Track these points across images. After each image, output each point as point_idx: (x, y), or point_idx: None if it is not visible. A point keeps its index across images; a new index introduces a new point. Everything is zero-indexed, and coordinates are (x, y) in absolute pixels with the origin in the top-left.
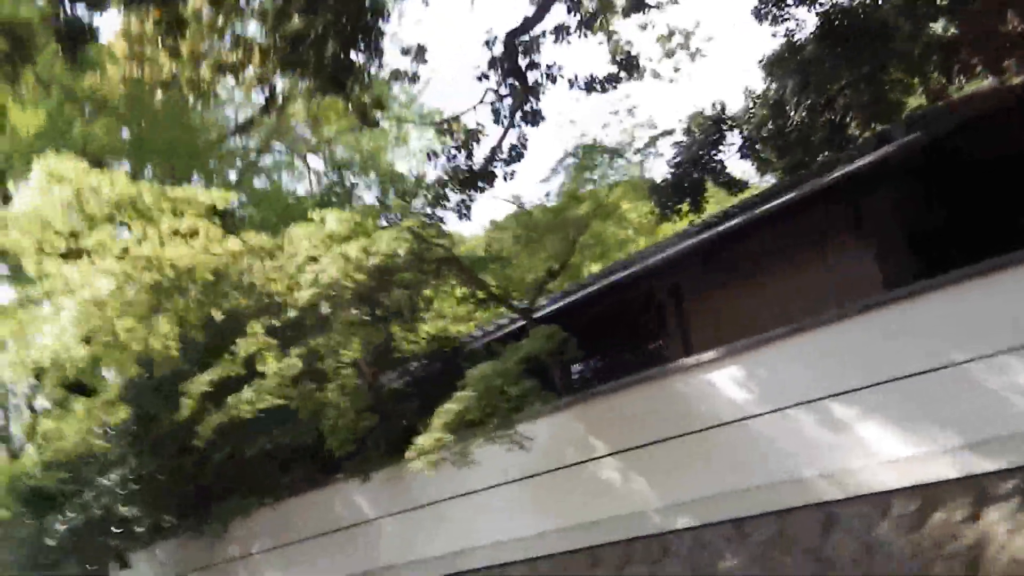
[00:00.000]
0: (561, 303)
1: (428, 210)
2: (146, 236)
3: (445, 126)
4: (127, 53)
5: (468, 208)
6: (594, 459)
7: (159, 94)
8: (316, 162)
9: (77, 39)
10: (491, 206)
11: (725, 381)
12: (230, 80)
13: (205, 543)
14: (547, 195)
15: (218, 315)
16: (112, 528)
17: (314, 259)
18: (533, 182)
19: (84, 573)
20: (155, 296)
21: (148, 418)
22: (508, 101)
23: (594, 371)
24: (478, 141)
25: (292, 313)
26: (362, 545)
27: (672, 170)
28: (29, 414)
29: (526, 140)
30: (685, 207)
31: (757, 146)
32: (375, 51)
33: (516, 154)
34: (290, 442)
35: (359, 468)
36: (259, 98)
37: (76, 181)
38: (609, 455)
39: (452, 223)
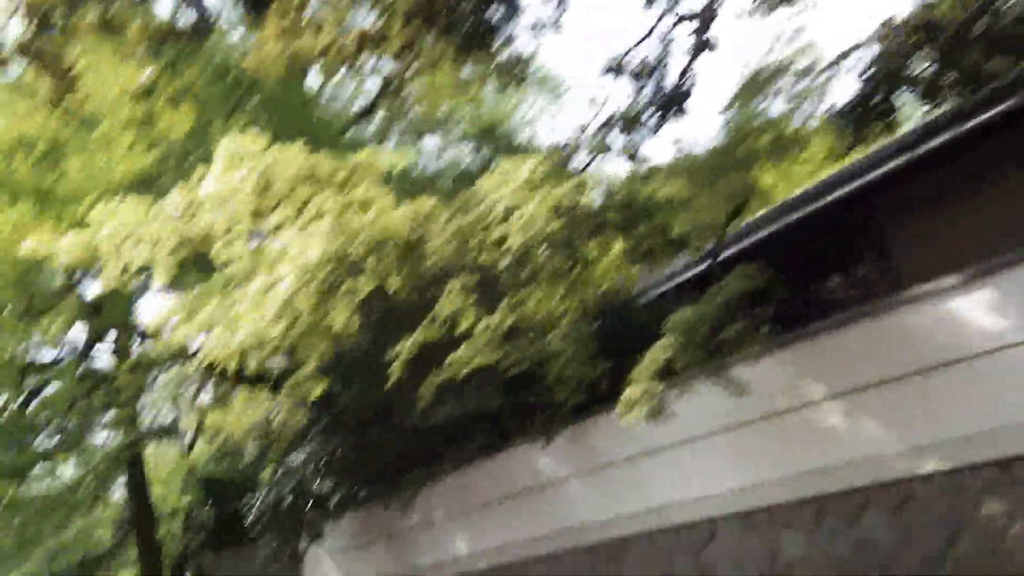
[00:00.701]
0: (754, 238)
1: (592, 158)
2: (331, 208)
3: (615, 64)
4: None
5: (636, 151)
6: (816, 402)
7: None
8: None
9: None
10: (658, 150)
11: (972, 308)
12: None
13: (391, 512)
14: (720, 131)
15: (414, 282)
16: (305, 504)
17: (512, 209)
18: (701, 119)
19: (278, 547)
20: (345, 270)
21: (344, 392)
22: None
23: (804, 308)
24: (654, 73)
25: (495, 266)
26: (551, 506)
27: (861, 88)
28: (196, 408)
29: (694, 74)
30: (876, 127)
31: (958, 53)
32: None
33: (685, 90)
34: (478, 408)
35: (542, 430)
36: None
37: (258, 159)
38: (833, 397)
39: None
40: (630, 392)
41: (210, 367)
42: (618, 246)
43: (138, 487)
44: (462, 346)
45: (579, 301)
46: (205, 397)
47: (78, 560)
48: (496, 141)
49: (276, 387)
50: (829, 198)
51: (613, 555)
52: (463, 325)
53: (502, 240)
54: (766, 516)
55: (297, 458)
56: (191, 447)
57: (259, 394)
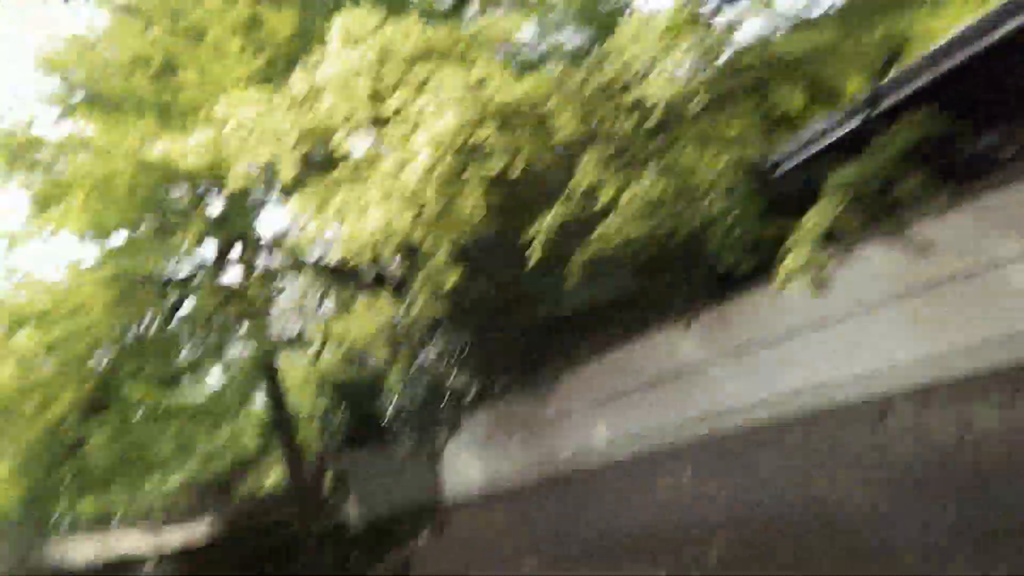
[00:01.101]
0: (922, 82)
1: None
2: (452, 85)
3: None
4: None
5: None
6: (1009, 260)
7: None
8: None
9: None
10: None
11: None
12: None
13: (529, 402)
14: None
15: (545, 157)
16: (441, 399)
17: (650, 66)
18: None
19: (417, 444)
20: (472, 149)
21: (476, 283)
22: None
23: (985, 157)
24: None
25: (636, 130)
26: (697, 390)
27: None
28: (321, 316)
29: None
30: None
31: None
32: None
33: None
34: (616, 291)
35: (684, 311)
36: None
37: (374, 35)
38: None
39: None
40: (790, 261)
41: (332, 274)
42: (765, 102)
43: (275, 394)
44: (609, 218)
45: (735, 160)
46: (328, 306)
47: (229, 463)
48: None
49: (398, 290)
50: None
51: (768, 439)
52: (604, 198)
53: (639, 102)
54: (950, 390)
55: (430, 355)
56: (319, 354)
57: (381, 299)
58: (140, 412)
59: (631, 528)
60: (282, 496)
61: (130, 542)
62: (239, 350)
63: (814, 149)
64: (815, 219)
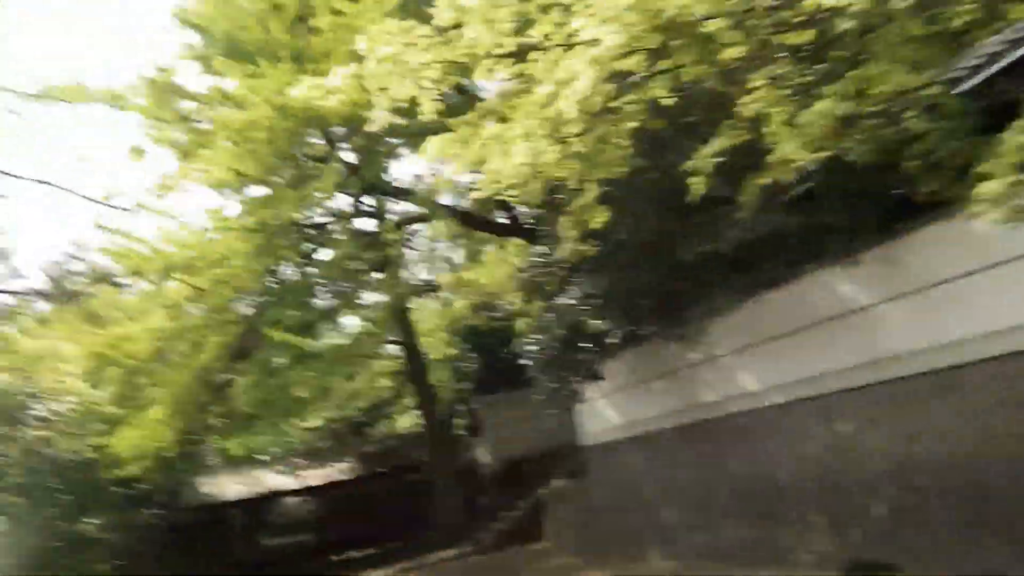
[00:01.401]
0: None
1: None
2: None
3: None
4: None
5: None
6: None
7: None
8: None
9: None
10: None
11: None
12: None
13: (673, 347)
14: None
15: (707, 77)
16: (580, 344)
17: None
18: None
19: (554, 390)
20: (626, 80)
21: (621, 222)
22: None
23: None
24: None
25: (817, 43)
26: (860, 335)
27: None
28: (452, 263)
29: None
30: None
31: None
32: None
33: None
34: (770, 230)
35: (850, 247)
36: None
37: None
38: None
39: None
40: (989, 186)
41: (465, 220)
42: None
43: (408, 340)
44: (781, 144)
45: (928, 74)
46: (460, 252)
47: (365, 406)
48: None
49: (532, 234)
50: None
51: (943, 385)
52: (776, 121)
53: (820, 10)
54: None
55: (569, 299)
56: (451, 301)
57: (514, 244)
58: (281, 358)
59: (783, 478)
60: (415, 437)
61: (274, 479)
62: (374, 297)
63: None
64: (1019, 138)
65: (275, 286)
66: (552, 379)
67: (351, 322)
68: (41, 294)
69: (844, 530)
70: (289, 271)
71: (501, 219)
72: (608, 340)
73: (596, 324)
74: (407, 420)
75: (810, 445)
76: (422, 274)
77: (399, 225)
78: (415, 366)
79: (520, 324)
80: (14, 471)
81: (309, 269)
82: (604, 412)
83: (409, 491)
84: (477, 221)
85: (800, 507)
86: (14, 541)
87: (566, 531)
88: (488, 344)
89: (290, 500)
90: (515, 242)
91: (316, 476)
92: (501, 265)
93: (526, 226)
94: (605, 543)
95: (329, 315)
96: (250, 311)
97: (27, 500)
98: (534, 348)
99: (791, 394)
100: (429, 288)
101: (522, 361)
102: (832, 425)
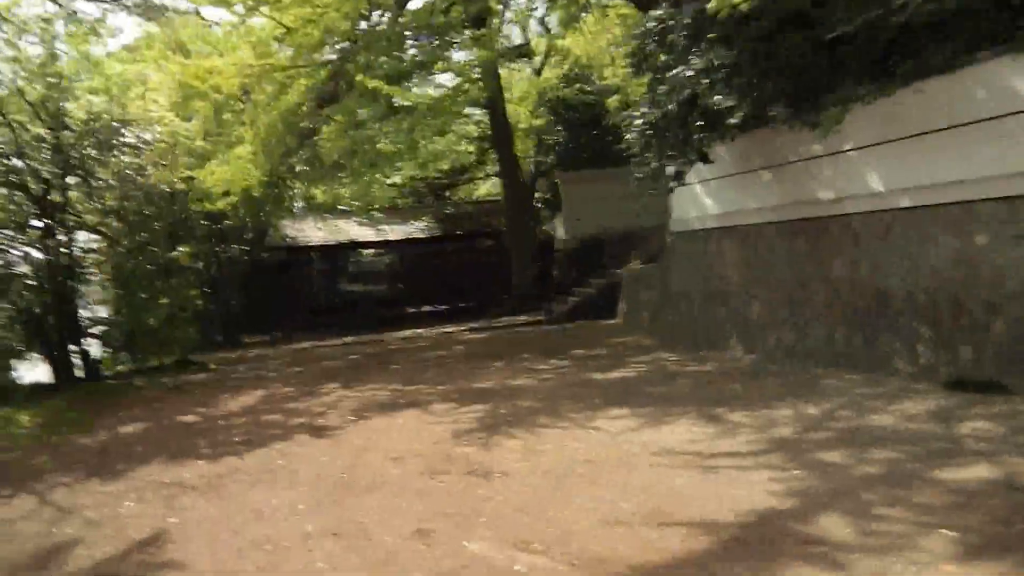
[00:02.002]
0: None
1: None
2: None
3: None
4: None
5: None
6: None
7: None
8: None
9: None
10: None
11: None
12: None
13: (791, 136)
14: None
15: None
16: (695, 120)
17: None
18: None
19: (658, 168)
20: None
21: None
22: None
23: None
24: None
25: None
26: (1012, 140)
27: None
28: (543, 30)
29: None
30: None
31: None
32: None
33: None
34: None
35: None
36: None
37: None
38: None
39: None
40: None
41: None
42: None
43: (496, 105)
44: None
45: None
46: (556, 15)
47: (448, 168)
48: None
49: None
50: None
51: None
52: None
53: None
54: None
55: (688, 70)
56: (541, 69)
57: (620, 8)
58: (369, 108)
59: (894, 286)
60: (494, 205)
61: (355, 230)
62: (465, 55)
63: None
64: None
65: (366, 31)
66: (656, 157)
67: (441, 79)
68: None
69: (954, 346)
70: (381, 15)
71: None
72: (727, 120)
73: (716, 100)
74: (487, 187)
75: (932, 255)
76: (516, 38)
77: None
78: (501, 133)
79: (613, 100)
80: (110, 195)
81: (401, 19)
82: (700, 199)
83: (484, 257)
84: None
85: (907, 318)
86: (113, 261)
87: (641, 312)
88: (576, 119)
89: (369, 251)
90: (619, 9)
91: (396, 232)
92: (600, 34)
93: None
94: (682, 329)
95: (419, 68)
96: (339, 55)
97: (122, 224)
98: (639, 122)
99: (921, 199)
100: (522, 53)
101: (611, 138)
102: (962, 236)
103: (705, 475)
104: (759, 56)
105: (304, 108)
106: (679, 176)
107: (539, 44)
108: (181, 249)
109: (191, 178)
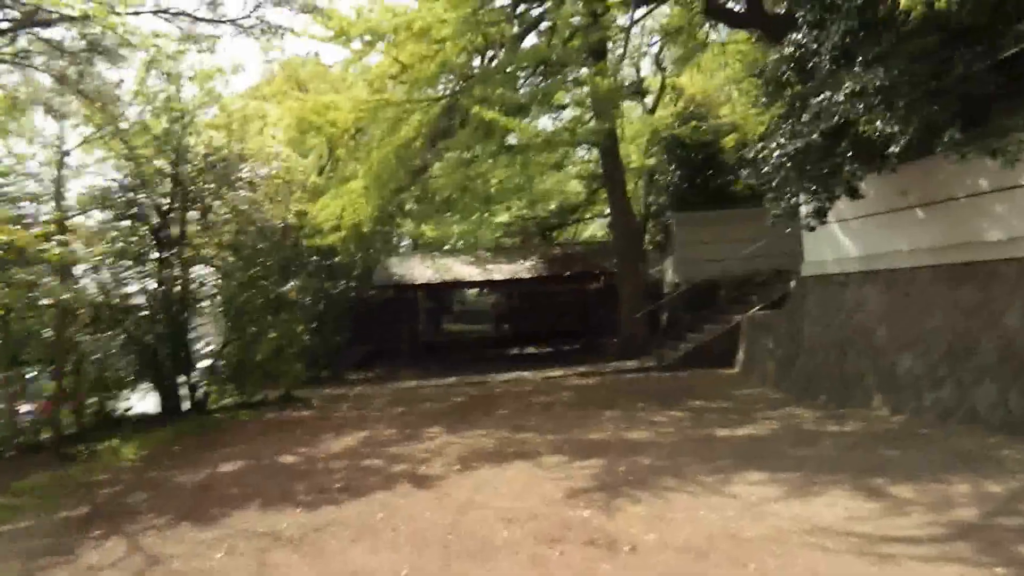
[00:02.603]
0: None
1: None
2: None
3: None
4: None
5: None
6: None
7: None
8: None
9: None
10: None
11: None
12: None
13: (957, 169)
14: None
15: None
16: (845, 150)
17: None
18: None
19: (794, 206)
20: None
21: None
22: None
23: None
24: None
25: None
26: None
27: None
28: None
29: None
30: None
31: None
32: None
33: None
34: None
35: None
36: None
37: None
38: None
39: None
40: None
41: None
42: None
43: (609, 143)
44: None
45: None
46: (672, 54)
47: (557, 208)
48: None
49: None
50: None
51: None
52: None
53: None
54: None
55: (832, 99)
56: (655, 108)
57: (737, 50)
58: (483, 143)
59: None
60: (602, 246)
61: (461, 268)
62: (581, 91)
63: None
64: None
65: (481, 66)
66: (795, 192)
67: (555, 116)
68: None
69: None
70: (497, 51)
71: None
72: (887, 149)
73: (875, 127)
74: (594, 229)
75: None
76: (629, 75)
77: (612, 11)
78: (612, 171)
79: (730, 138)
80: (226, 229)
81: (518, 51)
82: (838, 239)
83: (591, 299)
84: (711, 11)
85: None
86: (226, 295)
87: (765, 362)
88: (690, 158)
89: (474, 291)
90: (739, 45)
91: (502, 271)
92: (716, 71)
93: (776, 16)
94: (815, 382)
95: (536, 102)
96: (454, 90)
97: (236, 257)
98: (776, 155)
99: None
100: (636, 91)
101: (726, 178)
102: None
103: (882, 566)
104: (923, 76)
105: (417, 143)
106: (820, 213)
107: (653, 82)
108: (291, 284)
109: (304, 213)
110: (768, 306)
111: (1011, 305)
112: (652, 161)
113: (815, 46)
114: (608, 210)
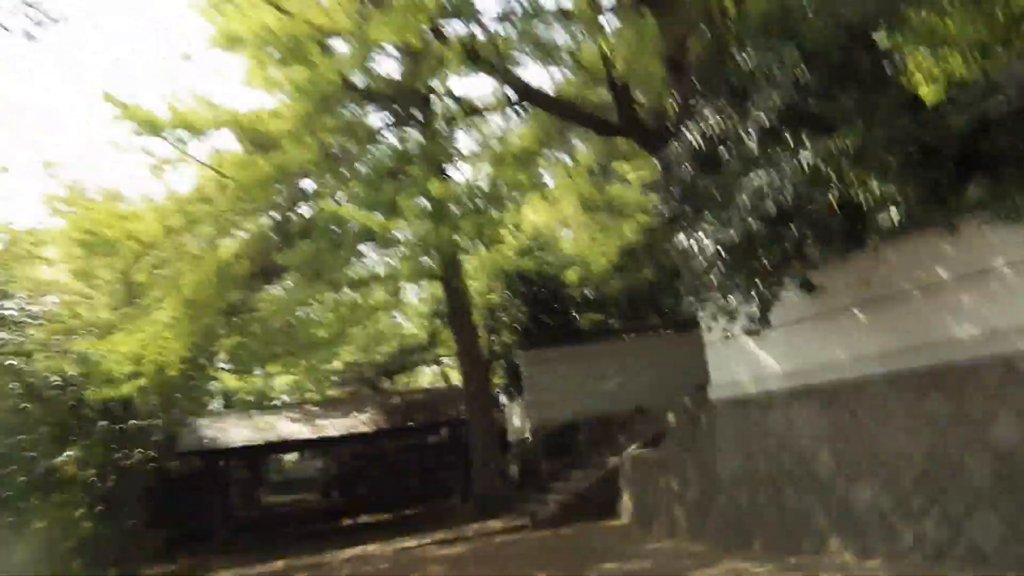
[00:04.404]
0: None
1: None
2: None
3: None
4: None
5: None
6: None
7: None
8: None
9: None
10: None
11: None
12: None
13: (908, 255)
14: None
15: None
16: (798, 234)
17: None
18: None
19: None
20: None
21: None
22: None
23: None
24: None
25: None
26: None
27: None
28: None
29: None
30: None
31: None
32: None
33: None
34: None
35: None
36: None
37: None
38: None
39: None
40: None
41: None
42: None
43: (452, 274)
44: None
45: None
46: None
47: (396, 351)
48: None
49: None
50: None
51: None
52: None
53: None
54: None
55: (776, 176)
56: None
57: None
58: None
59: None
60: (447, 392)
61: (286, 427)
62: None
63: None
64: None
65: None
66: (733, 291)
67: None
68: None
69: None
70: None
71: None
72: (852, 226)
73: (821, 199)
74: (439, 371)
75: None
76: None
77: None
78: (457, 309)
79: (572, 272)
80: None
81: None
82: (753, 355)
83: (432, 454)
84: (573, 110)
85: None
86: None
87: (670, 508)
88: (535, 294)
89: (293, 456)
90: (585, 164)
91: (336, 426)
92: (566, 196)
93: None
94: (748, 527)
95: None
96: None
97: None
98: (709, 250)
99: None
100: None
101: (574, 314)
102: None
103: None
104: (904, 131)
105: (240, 267)
106: (764, 315)
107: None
108: (68, 455)
109: (89, 359)
110: (644, 444)
111: (999, 411)
112: (494, 297)
113: (729, 130)
114: (451, 351)
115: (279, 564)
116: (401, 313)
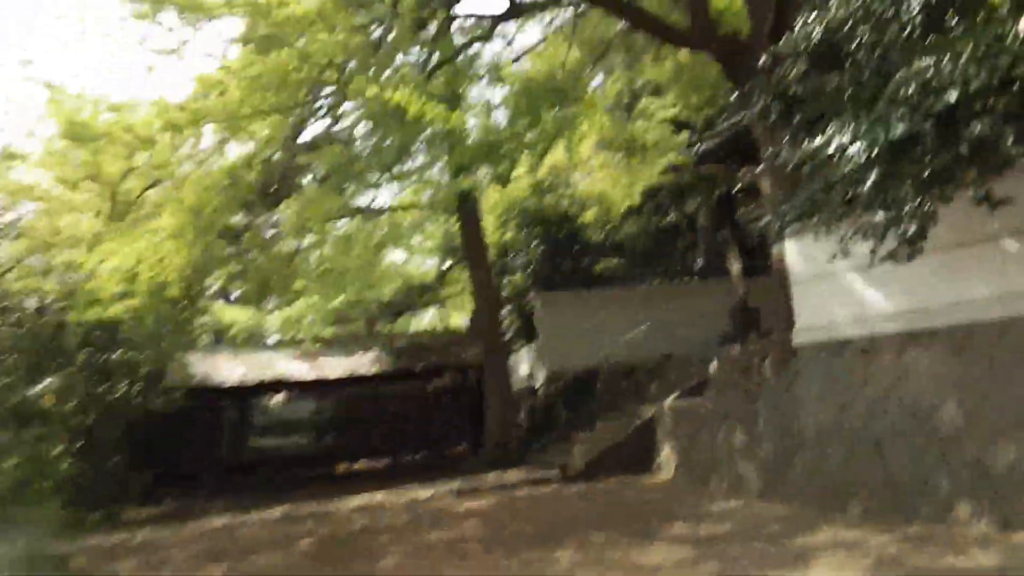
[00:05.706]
0: None
1: None
2: None
3: None
4: None
5: None
6: None
7: None
8: None
9: None
10: None
11: None
12: None
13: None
14: None
15: None
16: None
17: None
18: None
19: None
20: None
21: None
22: None
23: None
24: None
25: None
26: None
27: None
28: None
29: None
30: None
31: None
32: None
33: None
34: None
35: None
36: None
37: None
38: None
39: None
40: None
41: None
42: None
43: (470, 209)
44: None
45: None
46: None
47: (405, 289)
48: None
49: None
50: None
51: None
52: None
53: None
54: None
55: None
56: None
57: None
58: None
59: None
60: (455, 335)
61: (284, 366)
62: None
63: None
64: None
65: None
66: (890, 201)
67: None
68: None
69: None
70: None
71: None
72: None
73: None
74: (454, 313)
75: None
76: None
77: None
78: (473, 242)
79: (590, 212)
80: None
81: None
82: (857, 292)
83: (434, 400)
84: (642, 14)
85: None
86: None
87: (735, 465)
88: (552, 234)
89: (282, 397)
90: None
91: (336, 367)
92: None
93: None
94: (843, 489)
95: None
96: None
97: None
98: (861, 157)
99: None
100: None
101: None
102: None
103: None
104: None
105: (252, 174)
106: (923, 232)
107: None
108: (47, 383)
109: (73, 278)
110: (684, 394)
111: None
112: (509, 236)
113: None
114: (457, 291)
115: (278, 511)
116: (409, 250)
